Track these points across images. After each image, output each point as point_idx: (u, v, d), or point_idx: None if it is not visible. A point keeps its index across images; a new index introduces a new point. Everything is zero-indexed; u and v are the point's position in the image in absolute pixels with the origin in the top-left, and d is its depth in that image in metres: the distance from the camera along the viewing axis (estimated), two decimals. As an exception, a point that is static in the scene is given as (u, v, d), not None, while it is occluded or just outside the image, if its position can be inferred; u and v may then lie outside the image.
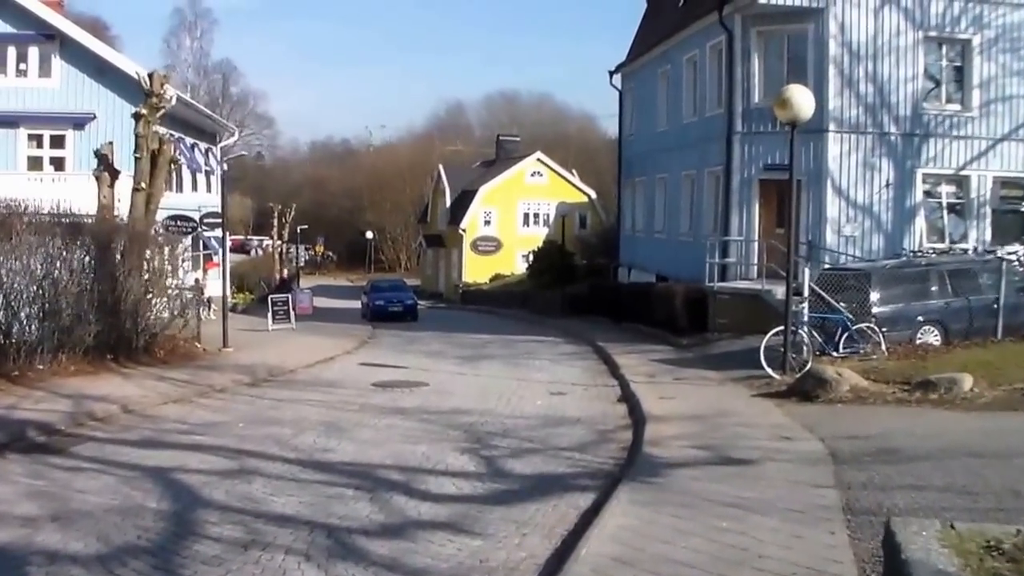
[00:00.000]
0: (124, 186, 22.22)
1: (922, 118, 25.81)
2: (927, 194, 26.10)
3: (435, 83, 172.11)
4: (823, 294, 18.76)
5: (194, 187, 36.60)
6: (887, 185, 25.59)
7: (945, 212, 26.38)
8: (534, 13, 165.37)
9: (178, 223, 30.67)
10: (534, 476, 10.13)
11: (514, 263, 61.89)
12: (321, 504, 8.89)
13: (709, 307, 24.96)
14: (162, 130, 31.69)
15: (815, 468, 9.54)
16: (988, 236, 25.66)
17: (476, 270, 63.90)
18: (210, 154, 37.01)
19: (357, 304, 48.38)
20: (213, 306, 30.22)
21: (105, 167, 21.60)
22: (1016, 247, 22.80)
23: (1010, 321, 19.25)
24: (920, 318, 19.29)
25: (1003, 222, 26.06)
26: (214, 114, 44.63)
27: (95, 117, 29.25)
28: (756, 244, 25.68)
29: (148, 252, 20.32)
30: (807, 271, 19.32)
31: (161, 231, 29.78)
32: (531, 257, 54.30)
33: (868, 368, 16.15)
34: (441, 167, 73.72)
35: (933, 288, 19.75)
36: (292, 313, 32.77)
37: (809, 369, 15.60)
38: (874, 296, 19.04)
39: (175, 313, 21.31)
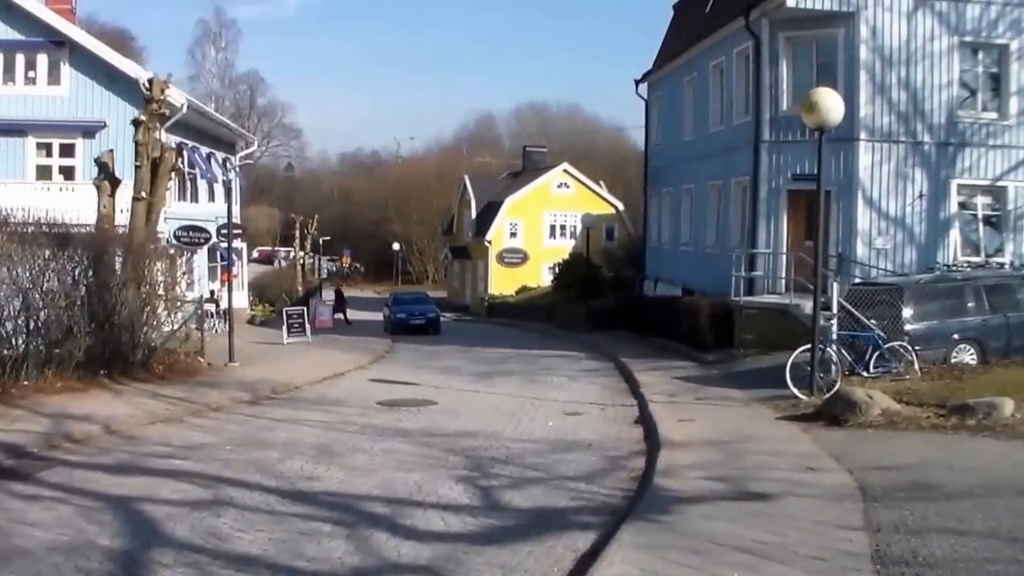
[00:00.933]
0: (127, 195, 21.50)
1: (957, 127, 24.78)
2: (962, 206, 25.05)
3: (467, 95, 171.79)
4: (853, 310, 17.77)
5: (211, 197, 36.01)
6: (920, 196, 24.56)
7: (980, 224, 25.34)
8: (563, 24, 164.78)
9: (190, 234, 30.11)
10: (532, 511, 9.24)
11: (540, 275, 60.94)
12: (291, 542, 8.06)
13: (735, 322, 24.03)
14: (175, 139, 31.33)
15: (842, 505, 8.61)
16: (1025, 250, 24.62)
17: (502, 282, 62.99)
18: (228, 164, 36.34)
19: (381, 316, 47.65)
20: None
21: (106, 176, 20.88)
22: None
23: (1051, 340, 18.20)
24: (955, 336, 18.28)
25: (1041, 235, 24.98)
26: (230, 122, 44.08)
27: (105, 125, 28.57)
28: (784, 257, 24.72)
29: (147, 263, 19.49)
30: (836, 285, 18.39)
31: (173, 241, 29.34)
32: (557, 270, 53.48)
33: (900, 389, 15.18)
34: (467, 178, 72.87)
35: (969, 304, 18.75)
36: (308, 326, 31.94)
37: (838, 390, 14.67)
38: (907, 312, 18.05)
39: (175, 327, 20.53)
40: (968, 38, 24.69)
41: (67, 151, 29.50)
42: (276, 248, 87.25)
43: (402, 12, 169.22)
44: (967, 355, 18.18)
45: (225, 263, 33.07)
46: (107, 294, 18.16)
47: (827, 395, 14.91)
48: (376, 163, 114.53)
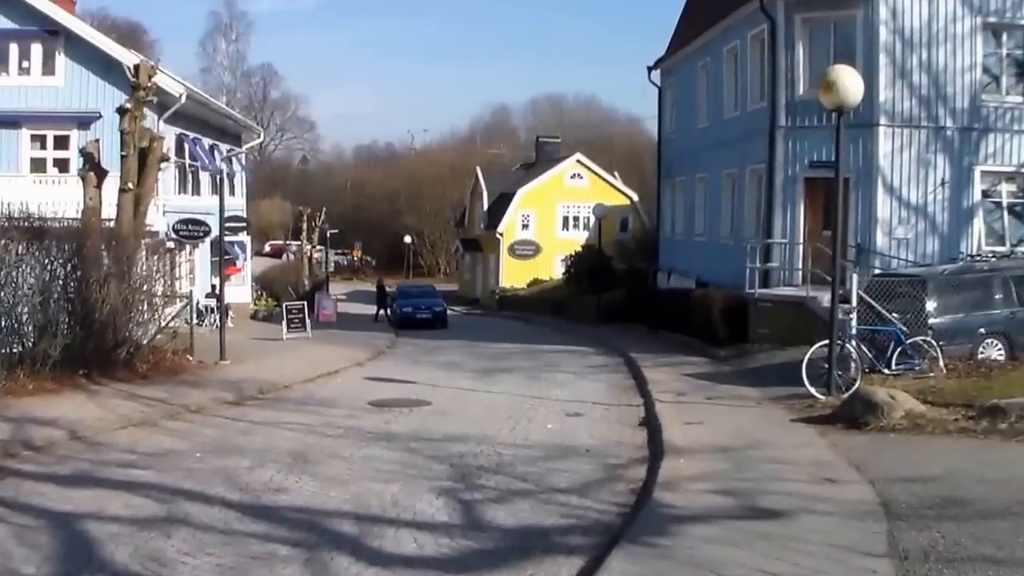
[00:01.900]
0: (114, 187, 20.64)
1: (981, 111, 23.75)
2: (986, 193, 24.05)
3: (483, 87, 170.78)
4: (873, 303, 16.75)
5: (214, 190, 35.14)
6: (943, 184, 23.56)
7: (1005, 213, 24.31)
8: (580, 15, 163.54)
9: (189, 227, 29.33)
10: (515, 530, 8.31)
11: (553, 268, 59.73)
12: (239, 569, 7.19)
13: (749, 316, 23.09)
14: (176, 130, 30.51)
15: (863, 525, 7.64)
16: (1052, 239, 23.61)
17: (513, 275, 61.87)
18: (226, 153, 35.45)
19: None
20: (231, 313, 28.69)
21: (91, 166, 20.02)
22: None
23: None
24: (982, 330, 17.28)
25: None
26: (235, 113, 43.28)
27: (100, 116, 27.60)
28: (800, 247, 23.80)
29: (131, 257, 18.60)
30: (855, 277, 17.26)
31: (171, 235, 28.52)
32: (569, 261, 52.52)
33: (924, 388, 14.22)
34: (479, 169, 71.77)
35: (997, 296, 17.81)
36: (308, 321, 31.09)
37: (857, 390, 13.72)
38: (931, 305, 17.08)
39: (161, 324, 19.64)
40: (992, 19, 23.63)
41: (61, 143, 28.67)
42: (288, 242, 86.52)
43: (419, 5, 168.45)
44: (994, 350, 17.21)
45: (229, 257, 32.32)
46: (88, 290, 17.27)
47: (846, 395, 13.95)
48: (390, 156, 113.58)
